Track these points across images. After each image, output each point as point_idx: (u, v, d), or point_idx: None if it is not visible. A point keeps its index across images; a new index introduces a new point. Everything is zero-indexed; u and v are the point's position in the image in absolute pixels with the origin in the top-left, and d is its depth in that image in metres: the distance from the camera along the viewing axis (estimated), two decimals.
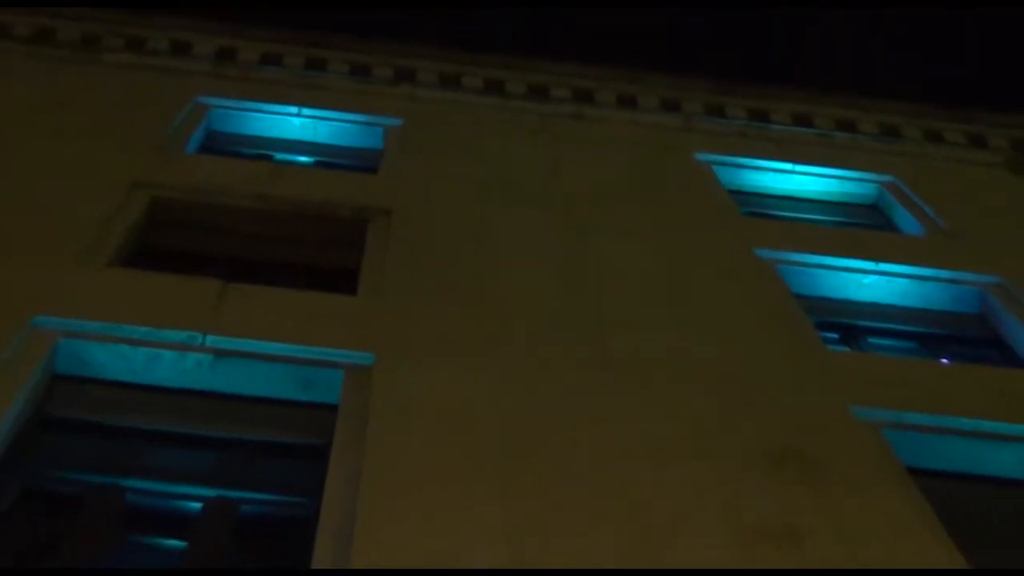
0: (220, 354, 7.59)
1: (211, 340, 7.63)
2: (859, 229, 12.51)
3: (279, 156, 12.72)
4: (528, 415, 7.27)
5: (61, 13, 14.51)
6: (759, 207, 12.84)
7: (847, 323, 10.26)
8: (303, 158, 12.74)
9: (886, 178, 13.52)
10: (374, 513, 6.08)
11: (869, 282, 10.66)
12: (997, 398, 8.22)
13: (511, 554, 5.95)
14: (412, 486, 6.37)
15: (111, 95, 12.74)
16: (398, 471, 6.49)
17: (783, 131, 14.76)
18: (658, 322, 8.86)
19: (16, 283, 7.99)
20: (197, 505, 6.74)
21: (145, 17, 14.73)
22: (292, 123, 13.25)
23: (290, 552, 6.16)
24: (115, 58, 14.11)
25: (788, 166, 13.70)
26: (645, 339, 8.52)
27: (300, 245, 10.01)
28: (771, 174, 13.63)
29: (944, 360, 9.57)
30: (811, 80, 15.83)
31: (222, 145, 12.73)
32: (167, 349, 7.57)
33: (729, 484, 6.83)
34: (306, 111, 13.29)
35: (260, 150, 12.83)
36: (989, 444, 7.84)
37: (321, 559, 5.79)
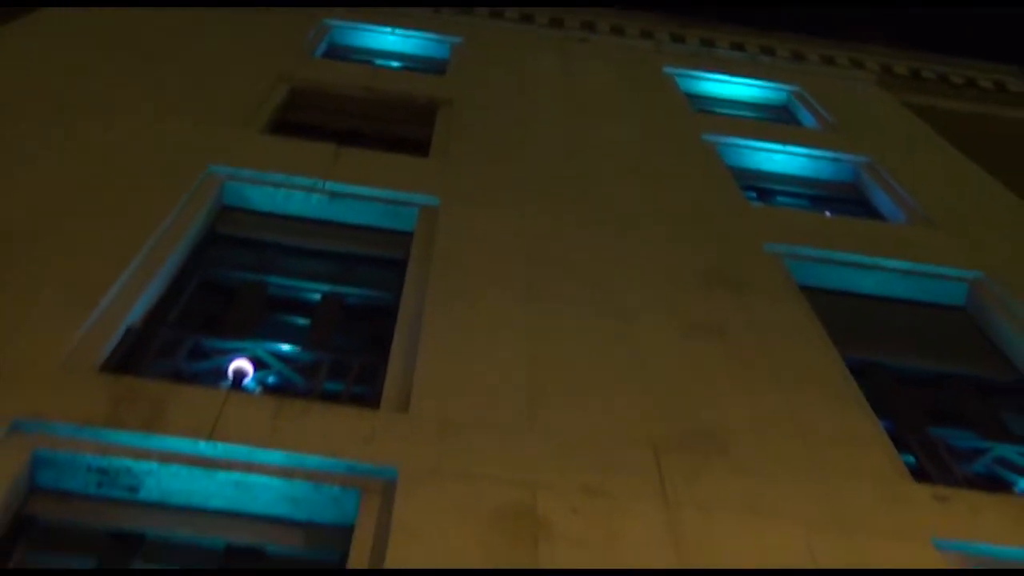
0: (334, 195, 7.51)
1: (328, 185, 7.54)
2: (773, 122, 12.29)
3: (378, 62, 12.52)
4: (543, 242, 7.22)
5: None
6: (706, 106, 12.63)
7: (762, 186, 10.13)
8: (395, 63, 12.56)
9: (794, 88, 13.29)
10: (436, 304, 6.09)
11: (779, 159, 10.51)
12: (862, 239, 8.14)
13: (528, 328, 5.98)
14: (463, 287, 6.36)
15: (265, 19, 12.50)
16: (454, 277, 6.46)
17: (724, 54, 14.61)
18: (632, 181, 8.76)
19: (198, 141, 7.92)
20: (317, 296, 6.74)
21: None
22: (388, 39, 13.00)
23: (379, 328, 6.14)
24: None
25: (726, 77, 13.46)
26: (623, 193, 8.44)
27: (391, 122, 9.86)
28: (714, 83, 13.39)
29: (828, 213, 9.47)
30: (746, 18, 15.49)
31: (340, 53, 12.53)
32: (298, 190, 7.50)
33: (676, 293, 6.79)
34: (398, 31, 13.05)
35: (365, 57, 12.64)
36: (855, 270, 7.76)
37: (400, 333, 5.78)
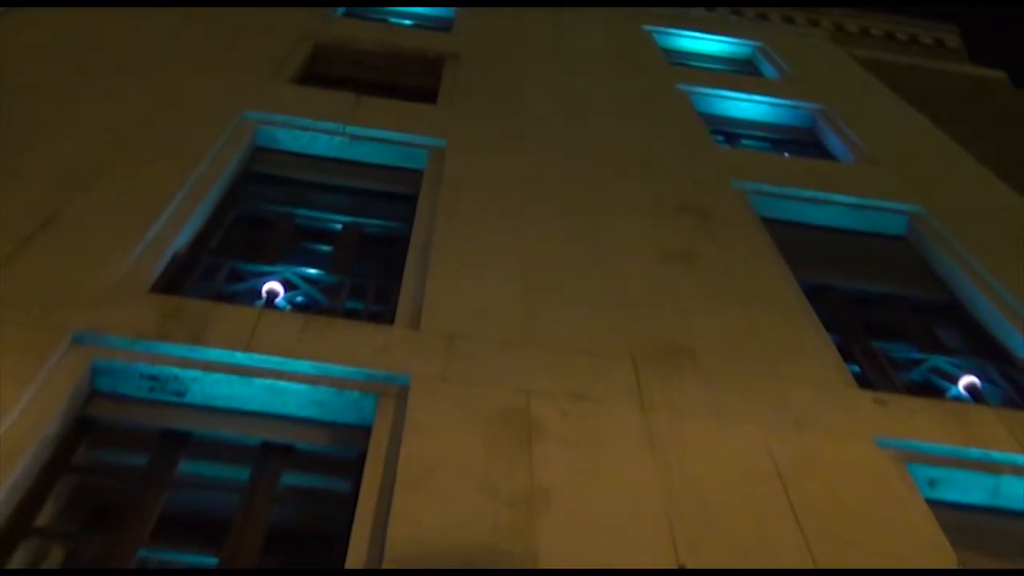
0: (354, 138, 7.39)
1: (349, 129, 7.41)
2: (740, 74, 12.08)
3: (392, 20, 12.21)
4: (536, 178, 7.12)
5: None
6: (680, 59, 12.32)
7: (730, 131, 9.95)
8: (406, 21, 12.24)
9: (758, 44, 12.99)
10: (443, 233, 6.03)
11: (744, 106, 10.33)
12: (816, 177, 8.04)
13: (523, 254, 5.95)
14: (467, 218, 6.28)
15: None
16: (458, 210, 6.39)
17: (697, 13, 14.30)
18: (614, 126, 8.61)
19: (232, 91, 7.78)
20: (339, 226, 6.66)
21: None
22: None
23: (393, 255, 6.07)
24: None
25: (699, 35, 13.11)
26: (606, 136, 8.30)
27: (402, 74, 9.67)
28: (688, 39, 13.05)
29: (786, 154, 9.36)
30: None
31: (357, 12, 12.16)
32: (322, 133, 7.38)
33: (654, 223, 6.72)
34: None
35: (380, 16, 12.29)
36: (810, 204, 7.67)
37: (411, 259, 5.74)
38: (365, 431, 4.32)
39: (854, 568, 3.75)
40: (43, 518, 3.85)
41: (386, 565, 3.49)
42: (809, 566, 3.86)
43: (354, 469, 4.18)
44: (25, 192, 5.73)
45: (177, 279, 5.33)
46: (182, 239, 5.68)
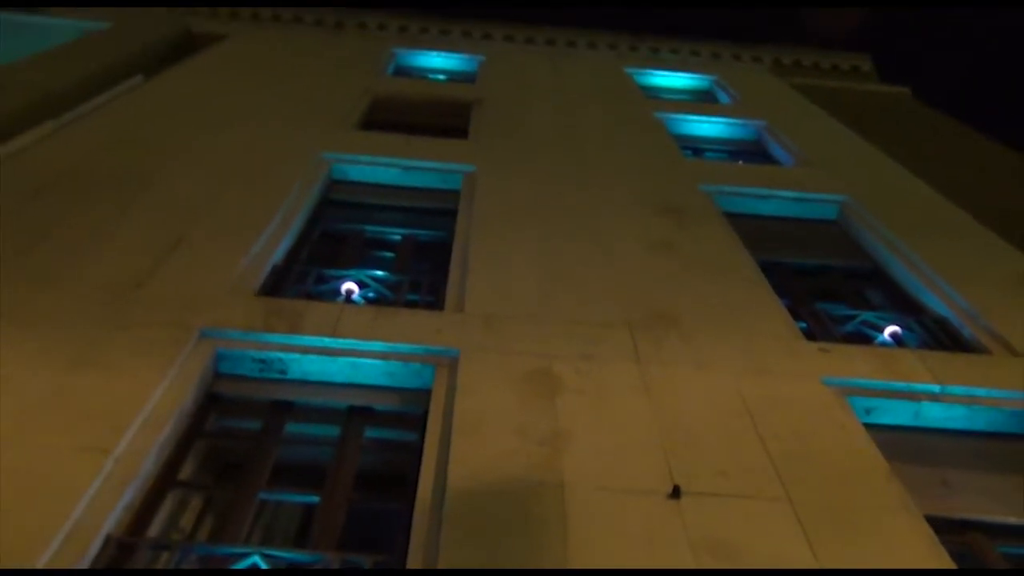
0: (407, 168, 7.32)
1: (403, 162, 7.34)
2: (701, 102, 11.87)
3: (431, 76, 12.18)
4: (547, 192, 7.02)
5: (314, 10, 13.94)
6: (654, 93, 12.12)
7: (695, 147, 9.81)
8: (441, 76, 12.19)
9: (714, 77, 12.79)
10: (478, 238, 5.96)
11: (706, 127, 10.19)
12: (764, 178, 7.89)
13: (539, 251, 5.84)
14: (494, 226, 6.21)
15: (351, 49, 12.19)
16: (488, 220, 6.32)
17: (666, 56, 14.08)
18: (605, 148, 8.49)
19: (312, 137, 7.75)
20: (398, 237, 6.60)
21: (371, 9, 14.08)
22: (435, 60, 12.61)
23: (440, 257, 6.03)
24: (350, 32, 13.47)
25: (668, 73, 12.93)
26: (599, 156, 8.19)
27: (441, 116, 9.55)
28: (660, 77, 12.87)
29: (740, 162, 9.20)
30: (679, 31, 14.87)
31: (404, 71, 12.18)
32: (382, 167, 7.32)
33: (641, 220, 6.61)
34: (442, 54, 12.64)
35: (421, 73, 12.26)
36: (761, 200, 7.52)
37: (455, 259, 5.68)
38: (426, 393, 4.29)
39: (856, 569, 3.37)
40: (184, 473, 3.86)
41: (448, 497, 3.46)
42: (772, 478, 3.79)
43: (419, 423, 4.16)
44: (158, 222, 5.76)
45: (276, 284, 5.31)
46: (279, 254, 5.66)
